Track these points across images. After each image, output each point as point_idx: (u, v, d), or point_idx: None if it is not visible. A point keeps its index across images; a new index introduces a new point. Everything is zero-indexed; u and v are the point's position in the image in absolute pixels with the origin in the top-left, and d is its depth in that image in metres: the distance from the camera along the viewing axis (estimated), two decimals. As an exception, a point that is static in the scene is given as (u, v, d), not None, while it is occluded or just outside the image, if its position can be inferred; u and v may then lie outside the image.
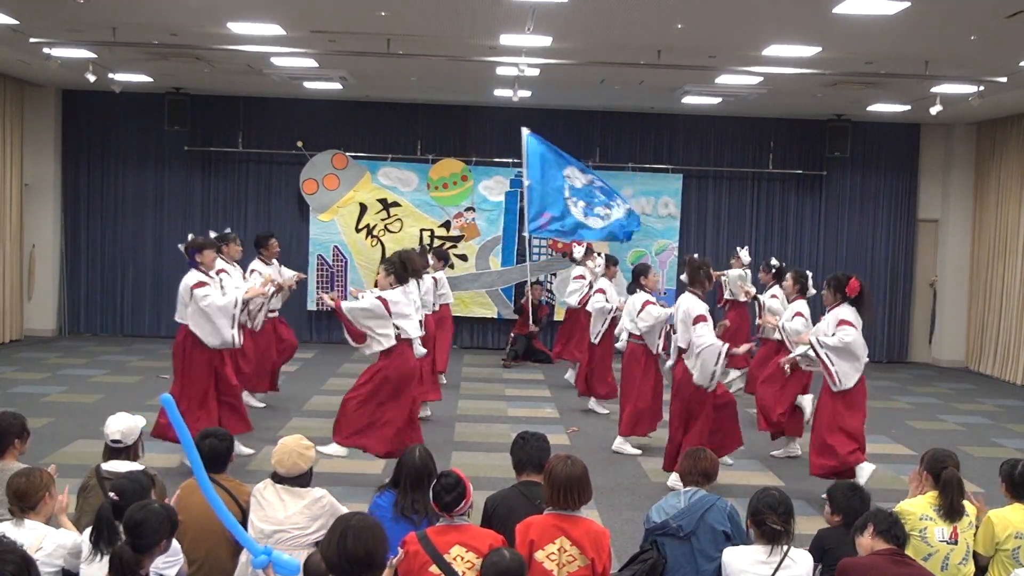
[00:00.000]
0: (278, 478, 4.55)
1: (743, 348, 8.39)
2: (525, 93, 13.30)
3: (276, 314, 10.35)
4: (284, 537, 4.43)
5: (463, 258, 15.32)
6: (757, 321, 10.38)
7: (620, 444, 9.11)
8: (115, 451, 4.89)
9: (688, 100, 13.63)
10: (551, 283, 15.17)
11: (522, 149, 13.36)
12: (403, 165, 15.24)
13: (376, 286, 8.20)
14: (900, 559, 4.11)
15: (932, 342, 15.95)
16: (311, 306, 15.05)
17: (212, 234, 9.15)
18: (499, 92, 13.65)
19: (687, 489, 4.87)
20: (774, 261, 11.10)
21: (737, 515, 4.80)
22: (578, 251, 12.02)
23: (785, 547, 4.25)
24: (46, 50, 10.83)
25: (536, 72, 11.54)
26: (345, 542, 3.52)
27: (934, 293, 15.89)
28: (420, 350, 8.11)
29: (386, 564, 3.74)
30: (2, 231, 13.94)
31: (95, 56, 11.37)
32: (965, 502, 4.80)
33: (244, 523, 4.56)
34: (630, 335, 9.25)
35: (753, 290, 11.25)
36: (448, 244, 15.25)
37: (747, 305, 11.61)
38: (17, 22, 10.01)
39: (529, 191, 13.30)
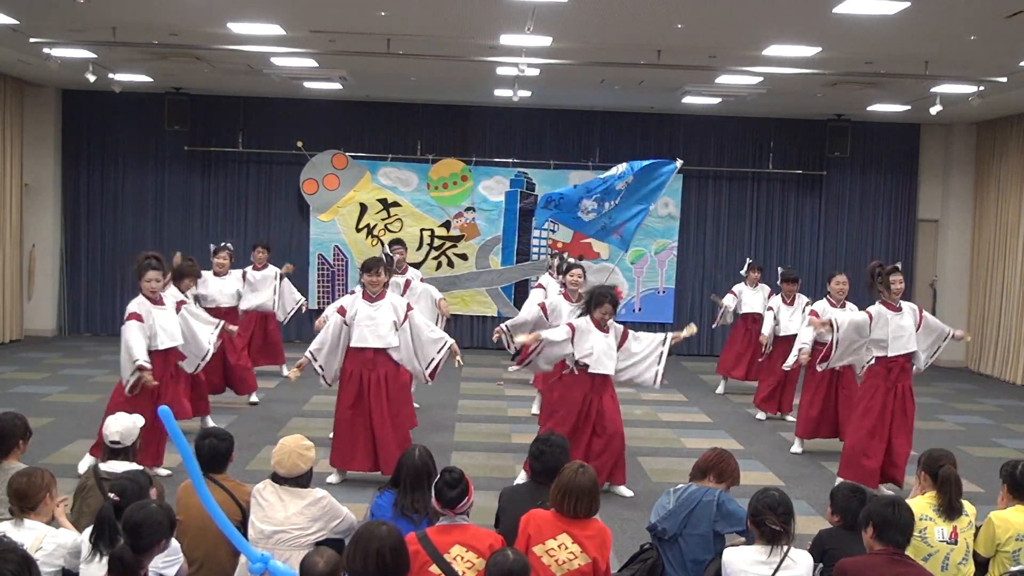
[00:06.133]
0: (278, 478, 4.55)
1: None
2: (525, 93, 13.30)
3: None
4: (284, 538, 4.42)
5: (463, 258, 15.32)
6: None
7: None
8: (114, 452, 4.89)
9: (688, 100, 13.63)
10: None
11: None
12: (403, 165, 15.24)
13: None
14: (900, 559, 4.10)
15: (932, 342, 15.92)
16: (311, 304, 15.04)
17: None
18: (499, 92, 13.64)
19: (678, 487, 4.84)
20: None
21: (727, 501, 4.75)
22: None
23: (785, 547, 4.23)
24: (46, 50, 10.82)
25: (536, 72, 11.53)
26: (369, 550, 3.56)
27: (934, 293, 15.87)
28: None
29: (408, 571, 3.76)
30: (2, 231, 13.94)
31: (95, 56, 11.37)
32: (964, 501, 4.80)
33: (244, 522, 4.56)
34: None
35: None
36: (448, 244, 15.26)
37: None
38: (17, 22, 10.01)
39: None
